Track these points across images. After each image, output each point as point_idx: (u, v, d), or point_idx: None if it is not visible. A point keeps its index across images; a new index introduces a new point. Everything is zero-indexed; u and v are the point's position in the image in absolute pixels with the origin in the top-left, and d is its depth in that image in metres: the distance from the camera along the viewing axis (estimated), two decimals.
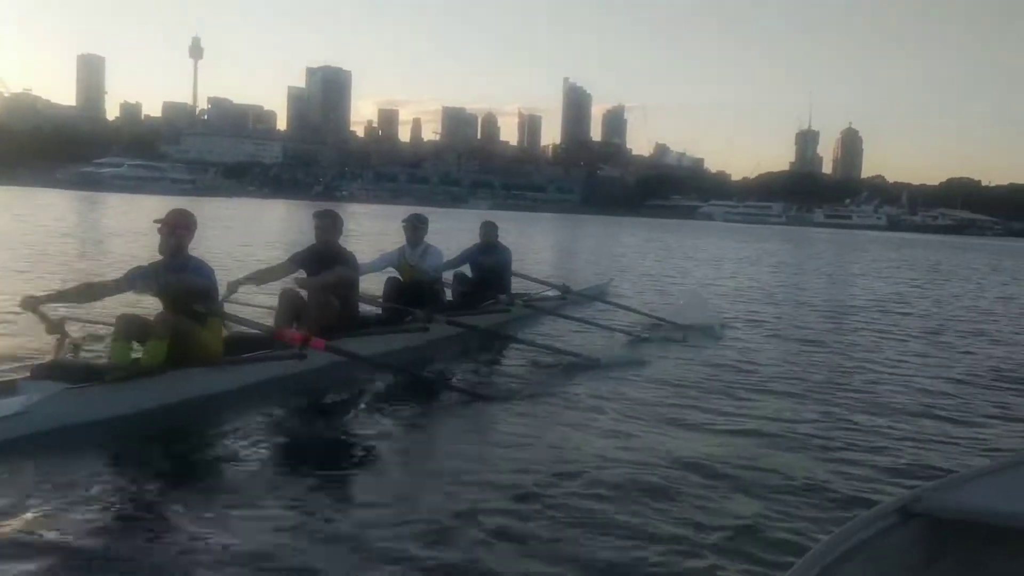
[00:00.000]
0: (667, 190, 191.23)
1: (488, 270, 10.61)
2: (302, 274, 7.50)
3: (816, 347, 10.15)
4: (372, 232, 33.20)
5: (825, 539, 2.57)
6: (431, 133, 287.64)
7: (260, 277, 7.51)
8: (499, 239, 11.06)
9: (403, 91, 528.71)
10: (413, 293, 8.91)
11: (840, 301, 16.58)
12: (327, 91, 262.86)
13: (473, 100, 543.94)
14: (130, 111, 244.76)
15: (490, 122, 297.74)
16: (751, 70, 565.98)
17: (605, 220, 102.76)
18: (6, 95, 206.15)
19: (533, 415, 6.18)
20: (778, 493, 4.59)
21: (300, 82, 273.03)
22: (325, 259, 7.44)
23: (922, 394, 7.53)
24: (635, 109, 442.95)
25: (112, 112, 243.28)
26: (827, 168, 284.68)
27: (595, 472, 4.83)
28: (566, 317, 10.56)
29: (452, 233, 25.08)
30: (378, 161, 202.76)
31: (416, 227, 9.42)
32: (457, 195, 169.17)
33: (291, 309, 7.28)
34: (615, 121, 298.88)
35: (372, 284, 9.24)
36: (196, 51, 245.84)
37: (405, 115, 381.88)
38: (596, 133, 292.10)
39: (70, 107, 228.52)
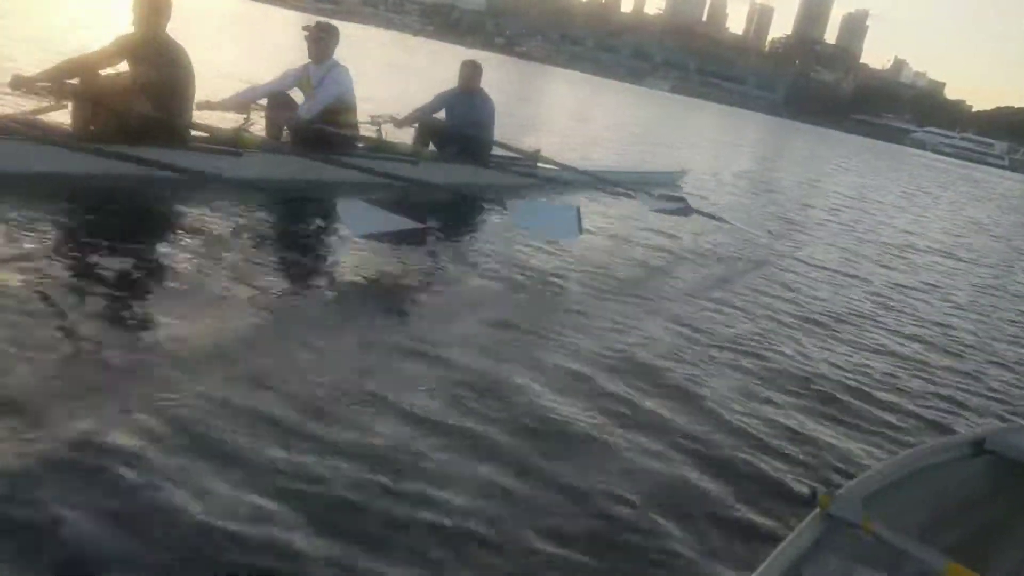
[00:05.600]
0: (884, 107, 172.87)
1: (465, 121, 8.25)
2: None
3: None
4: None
5: (894, 457, 2.60)
6: (655, 8, 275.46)
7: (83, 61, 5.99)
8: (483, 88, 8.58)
9: None
10: (298, 129, 6.89)
11: None
12: None
13: None
14: None
15: (718, 7, 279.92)
16: None
17: (807, 130, 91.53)
18: None
19: None
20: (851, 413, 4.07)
21: None
22: (145, 51, 6.04)
23: None
24: (879, 17, 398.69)
25: None
26: None
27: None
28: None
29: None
30: (581, 24, 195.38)
31: (319, 38, 6.96)
32: (637, 70, 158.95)
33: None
34: (854, 26, 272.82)
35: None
36: None
37: None
38: (832, 36, 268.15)
39: None
